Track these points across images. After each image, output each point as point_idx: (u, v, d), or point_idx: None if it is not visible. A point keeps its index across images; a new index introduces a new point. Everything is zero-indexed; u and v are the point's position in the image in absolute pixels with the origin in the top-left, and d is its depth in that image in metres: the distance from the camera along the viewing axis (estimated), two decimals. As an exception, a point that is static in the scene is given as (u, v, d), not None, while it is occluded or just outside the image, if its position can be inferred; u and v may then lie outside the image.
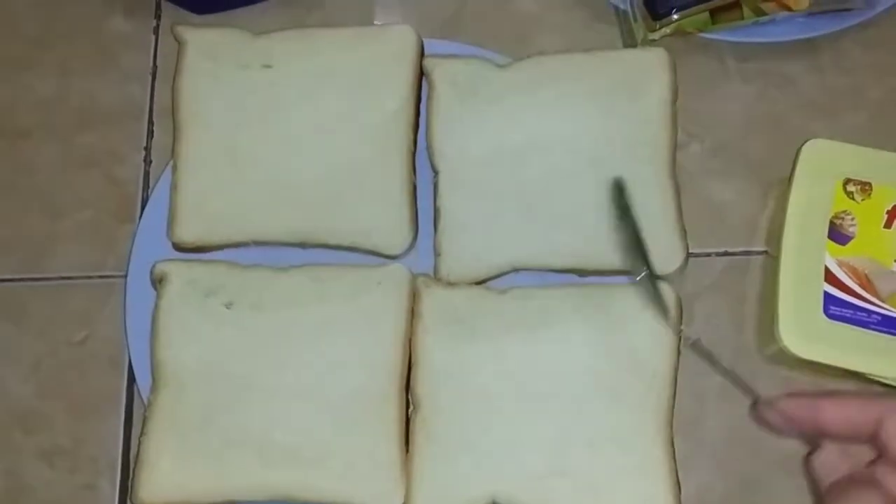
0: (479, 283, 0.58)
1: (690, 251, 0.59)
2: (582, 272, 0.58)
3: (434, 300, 0.57)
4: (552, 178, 0.59)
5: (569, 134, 0.59)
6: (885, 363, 0.53)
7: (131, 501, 0.55)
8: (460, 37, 0.65)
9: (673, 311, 0.54)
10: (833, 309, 0.53)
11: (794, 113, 0.64)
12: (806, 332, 0.53)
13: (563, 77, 0.60)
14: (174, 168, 0.60)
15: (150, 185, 0.64)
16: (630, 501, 0.53)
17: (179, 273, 0.58)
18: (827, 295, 0.54)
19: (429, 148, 0.60)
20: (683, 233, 0.57)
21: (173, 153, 0.61)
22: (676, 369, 0.55)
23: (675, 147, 0.59)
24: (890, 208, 0.55)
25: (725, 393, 0.58)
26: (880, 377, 0.54)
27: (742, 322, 0.60)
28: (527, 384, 0.55)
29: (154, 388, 0.56)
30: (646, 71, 0.60)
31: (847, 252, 0.54)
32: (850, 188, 0.55)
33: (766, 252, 0.61)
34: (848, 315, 0.53)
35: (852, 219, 0.55)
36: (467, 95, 0.61)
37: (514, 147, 0.60)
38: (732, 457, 0.57)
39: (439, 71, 0.61)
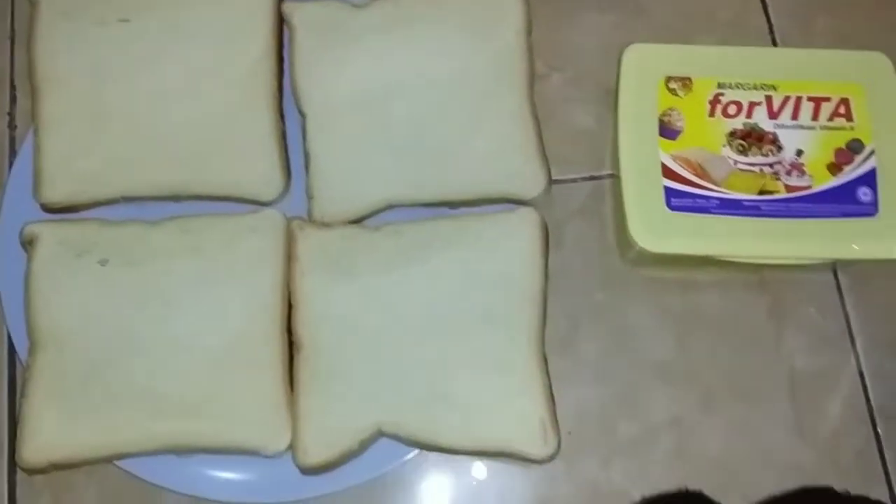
0: (354, 222, 0.59)
1: (558, 178, 0.61)
2: (453, 204, 0.59)
3: (309, 242, 0.58)
4: (416, 114, 0.60)
5: (429, 70, 0.60)
6: (730, 243, 0.57)
7: (17, 465, 0.55)
8: (319, -19, 0.65)
9: None
10: (675, 201, 0.56)
11: (650, 39, 0.65)
12: (654, 228, 0.56)
13: (419, 14, 0.61)
14: (35, 130, 0.60)
15: (17, 150, 0.63)
16: (508, 418, 0.54)
17: (50, 234, 0.58)
18: (667, 189, 0.56)
19: (294, 93, 0.61)
20: (545, 159, 0.59)
21: (33, 115, 0.60)
22: (545, 290, 0.57)
23: (532, 77, 0.61)
24: (711, 98, 0.58)
25: (596, 312, 0.60)
26: (730, 256, 0.57)
27: (611, 241, 0.62)
28: (405, 316, 0.56)
29: (31, 350, 0.56)
30: (500, 5, 0.62)
31: (678, 146, 0.57)
32: (672, 85, 0.58)
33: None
34: (689, 204, 0.56)
35: (678, 114, 0.58)
36: (328, 38, 0.61)
37: (378, 86, 0.60)
38: (608, 370, 0.60)
39: (298, 16, 0.62)
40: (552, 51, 0.65)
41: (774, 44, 0.67)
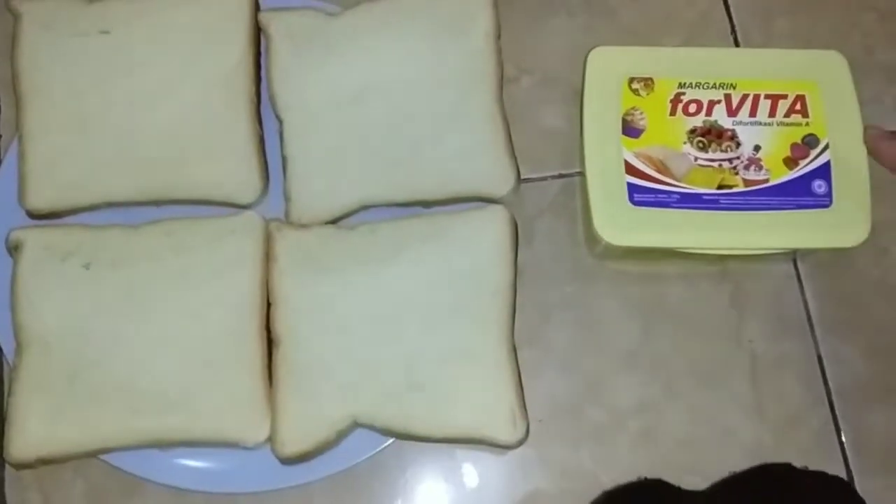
0: (331, 222, 0.61)
1: (529, 177, 0.64)
2: (426, 203, 0.61)
3: (287, 242, 0.60)
4: (390, 117, 0.62)
5: (402, 74, 0.62)
6: (691, 236, 0.59)
7: (5, 461, 0.57)
8: (294, -10, 0.67)
9: None
10: (637, 196, 0.58)
11: (618, 41, 0.67)
12: (618, 223, 0.58)
13: (391, 21, 0.63)
14: (20, 138, 0.61)
15: (3, 159, 0.65)
16: (479, 406, 0.56)
17: (35, 239, 0.60)
18: (630, 185, 0.59)
19: (271, 99, 0.63)
20: (514, 158, 0.61)
21: (17, 124, 0.62)
22: (515, 283, 0.59)
23: (501, 78, 0.63)
24: (672, 97, 0.60)
25: (567, 303, 0.62)
26: (691, 248, 0.59)
27: (580, 237, 0.64)
28: (380, 311, 0.58)
29: (18, 350, 0.57)
30: (470, 9, 0.64)
31: (641, 144, 0.59)
32: (635, 85, 0.60)
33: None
34: (651, 199, 0.58)
35: (641, 113, 0.60)
36: (304, 46, 0.63)
37: (353, 91, 0.62)
38: (577, 360, 0.62)
39: (275, 24, 0.64)
40: (522, 54, 0.67)
41: (737, 44, 0.69)
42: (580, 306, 0.63)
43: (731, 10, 0.70)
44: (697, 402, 0.61)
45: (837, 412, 0.61)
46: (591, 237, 0.60)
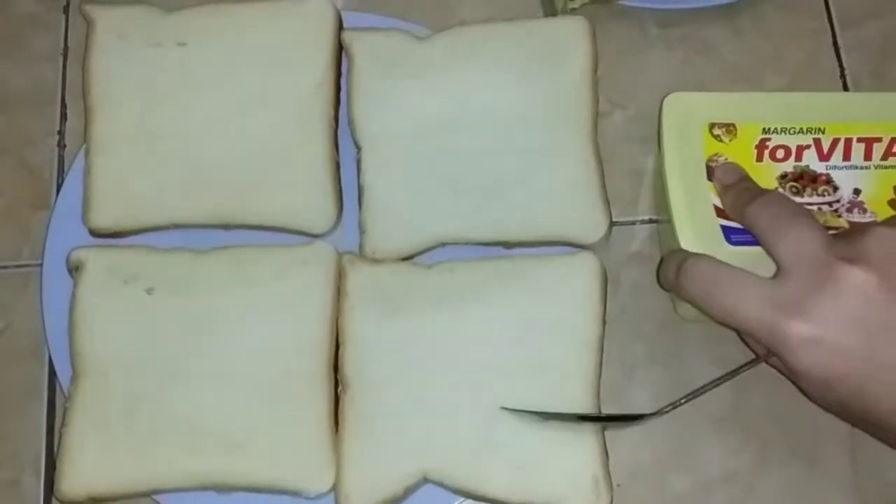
0: (406, 258, 0.58)
1: (616, 220, 0.59)
2: (508, 244, 0.58)
3: (360, 277, 0.57)
4: (475, 150, 0.58)
5: (490, 105, 0.59)
6: None
7: (53, 496, 0.54)
8: (380, 9, 0.64)
9: None
10: (734, 237, 0.54)
11: (717, 78, 0.65)
12: None
13: (483, 48, 0.60)
14: (87, 151, 0.59)
15: (66, 170, 0.62)
16: (560, 471, 0.52)
17: (97, 259, 0.57)
18: (724, 227, 0.54)
19: (350, 124, 0.60)
20: (606, 201, 0.57)
21: (85, 136, 0.59)
22: (602, 337, 0.55)
23: (596, 115, 0.59)
24: (757, 143, 0.56)
25: (652, 360, 0.59)
26: None
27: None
28: (456, 358, 0.55)
29: (74, 378, 0.55)
30: (566, 40, 0.60)
31: None
32: (717, 131, 0.56)
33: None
34: (750, 238, 0.53)
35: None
36: (388, 69, 0.60)
37: (437, 120, 0.59)
38: (661, 422, 0.57)
39: (358, 45, 0.60)
40: (615, 87, 0.64)
41: (846, 87, 0.64)
42: (667, 363, 0.59)
43: (841, 51, 0.65)
44: (790, 475, 0.56)
45: (947, 499, 0.56)
46: None
